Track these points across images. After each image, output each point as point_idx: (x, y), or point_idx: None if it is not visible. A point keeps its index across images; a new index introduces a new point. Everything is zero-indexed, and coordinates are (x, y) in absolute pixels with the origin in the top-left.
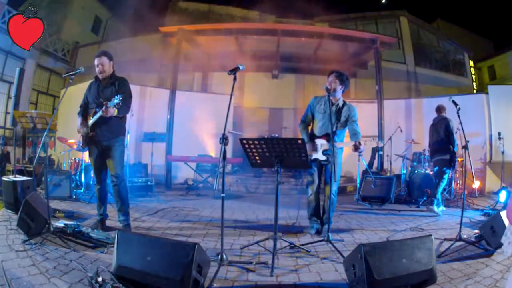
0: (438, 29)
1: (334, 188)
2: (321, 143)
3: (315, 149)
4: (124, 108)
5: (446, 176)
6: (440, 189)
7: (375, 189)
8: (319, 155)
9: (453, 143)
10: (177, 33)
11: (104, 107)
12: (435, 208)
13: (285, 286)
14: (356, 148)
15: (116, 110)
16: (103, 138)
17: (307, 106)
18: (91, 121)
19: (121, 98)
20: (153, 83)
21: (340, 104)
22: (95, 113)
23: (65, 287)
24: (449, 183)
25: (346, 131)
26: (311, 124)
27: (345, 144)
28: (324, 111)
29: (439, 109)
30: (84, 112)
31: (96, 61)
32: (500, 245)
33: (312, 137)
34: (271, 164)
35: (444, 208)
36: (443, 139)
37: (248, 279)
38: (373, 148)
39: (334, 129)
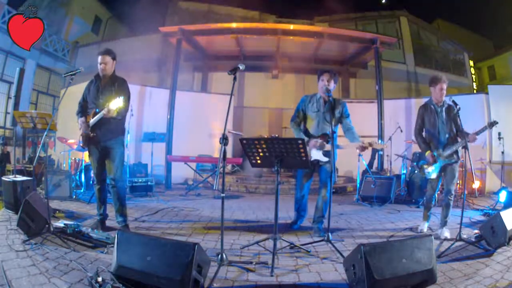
0: (438, 29)
1: (329, 187)
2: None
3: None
4: (123, 111)
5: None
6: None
7: (375, 189)
8: (320, 156)
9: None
10: (177, 33)
11: (106, 109)
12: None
13: (285, 286)
14: (363, 149)
15: (116, 112)
16: (103, 138)
17: (298, 104)
18: (91, 122)
19: (123, 100)
20: (153, 83)
21: (332, 101)
22: (95, 113)
23: (65, 287)
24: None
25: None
26: (302, 122)
27: (349, 145)
28: (318, 109)
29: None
30: (83, 111)
31: (100, 59)
32: (500, 245)
33: (308, 136)
34: (271, 164)
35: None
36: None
37: (248, 279)
38: (373, 148)
39: (330, 126)
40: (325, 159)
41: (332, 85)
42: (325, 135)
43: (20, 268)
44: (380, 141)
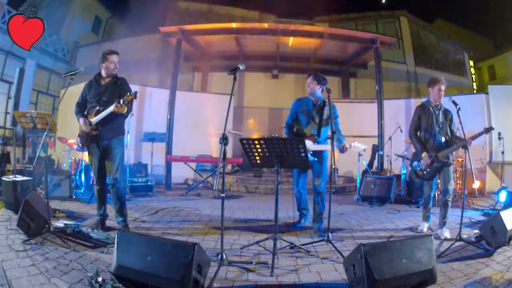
0: (438, 29)
1: (323, 184)
2: (308, 144)
3: None
4: (131, 107)
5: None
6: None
7: (375, 189)
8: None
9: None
10: (177, 33)
11: (117, 103)
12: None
13: (285, 286)
14: (344, 149)
15: (126, 108)
16: (105, 136)
17: (291, 108)
18: (96, 119)
19: (132, 95)
20: (153, 83)
21: (321, 103)
22: (98, 111)
23: (65, 287)
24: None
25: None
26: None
27: (329, 146)
28: (308, 110)
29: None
30: (83, 111)
31: (114, 58)
32: (500, 245)
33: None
34: (271, 164)
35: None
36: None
37: (248, 279)
38: (373, 148)
39: (318, 127)
40: (314, 158)
41: (316, 87)
42: (313, 136)
43: (20, 268)
44: (359, 144)
